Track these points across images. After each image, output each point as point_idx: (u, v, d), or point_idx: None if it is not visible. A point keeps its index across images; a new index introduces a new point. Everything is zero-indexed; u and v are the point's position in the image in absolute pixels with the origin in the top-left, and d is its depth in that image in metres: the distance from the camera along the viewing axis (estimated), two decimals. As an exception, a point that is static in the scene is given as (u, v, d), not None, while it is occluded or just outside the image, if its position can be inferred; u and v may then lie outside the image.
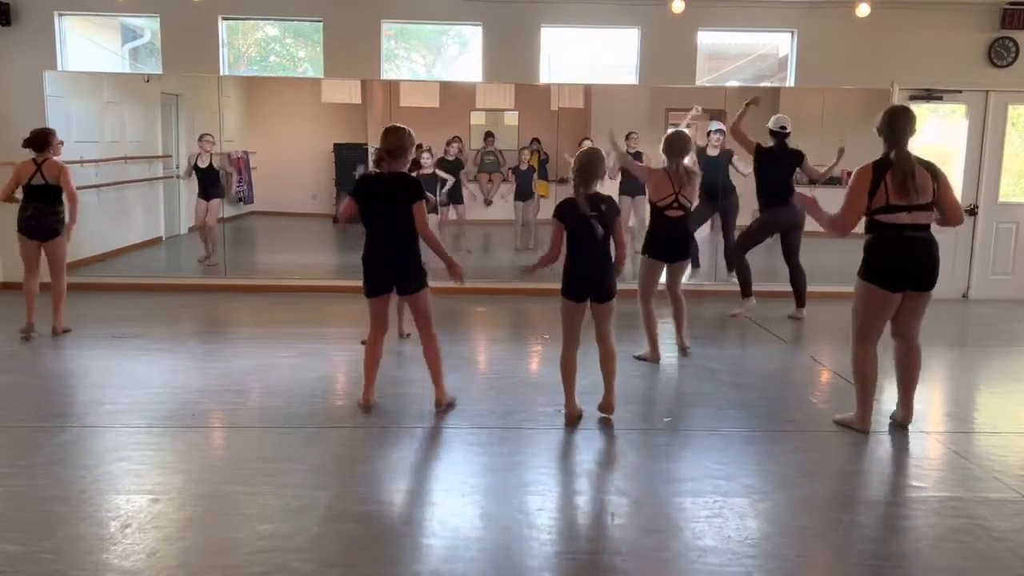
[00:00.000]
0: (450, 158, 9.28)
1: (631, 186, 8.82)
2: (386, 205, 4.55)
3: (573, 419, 4.56)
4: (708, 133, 8.47)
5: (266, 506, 3.53)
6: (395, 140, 4.53)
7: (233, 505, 3.56)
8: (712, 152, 8.33)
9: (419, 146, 9.07)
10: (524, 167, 9.92)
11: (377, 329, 4.79)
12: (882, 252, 4.27)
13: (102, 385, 5.15)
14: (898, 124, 4.23)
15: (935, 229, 4.33)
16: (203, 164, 8.94)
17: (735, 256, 7.45)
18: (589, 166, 4.43)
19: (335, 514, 3.44)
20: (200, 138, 8.93)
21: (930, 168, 4.25)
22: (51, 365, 5.56)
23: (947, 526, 3.42)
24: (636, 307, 5.87)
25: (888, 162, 4.22)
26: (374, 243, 4.63)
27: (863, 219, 4.31)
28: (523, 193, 9.81)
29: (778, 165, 7.07)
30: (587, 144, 7.80)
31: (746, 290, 7.39)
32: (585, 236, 4.40)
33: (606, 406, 4.64)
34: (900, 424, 4.56)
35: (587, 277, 4.47)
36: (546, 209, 9.56)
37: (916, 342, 4.49)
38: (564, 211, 4.45)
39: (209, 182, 8.99)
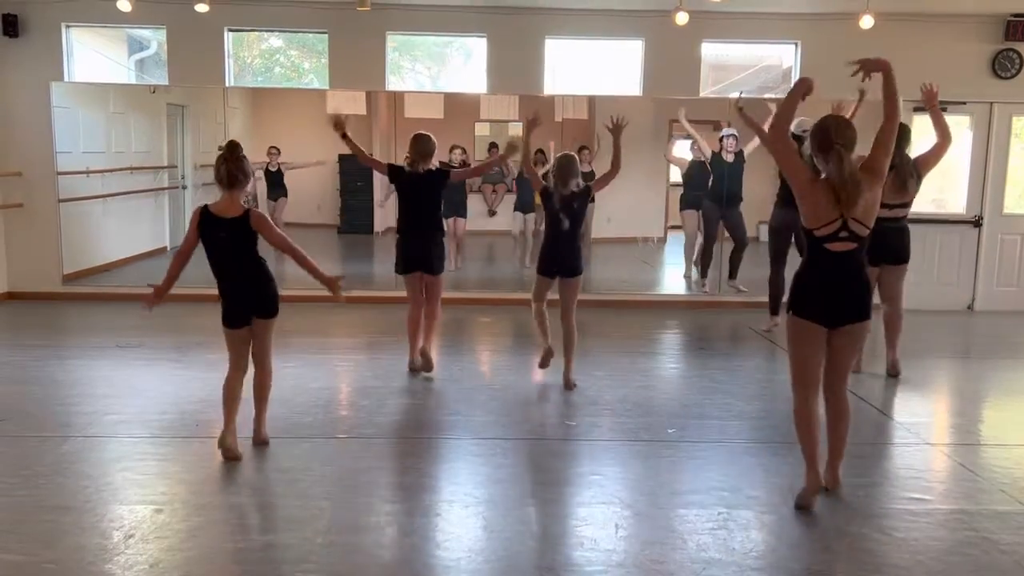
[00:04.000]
0: (455, 165, 9.05)
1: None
2: (421, 197, 5.46)
3: (548, 361, 5.42)
4: (721, 139, 8.38)
5: (269, 517, 3.53)
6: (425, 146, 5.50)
7: (236, 516, 3.55)
8: (728, 158, 8.26)
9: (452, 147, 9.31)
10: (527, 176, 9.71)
11: (415, 304, 5.49)
12: None
13: (106, 395, 5.15)
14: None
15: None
16: (272, 169, 9.88)
17: (771, 275, 7.09)
18: (566, 169, 5.17)
19: (339, 525, 3.43)
20: (268, 151, 9.96)
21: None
22: (55, 374, 5.57)
23: (953, 539, 3.41)
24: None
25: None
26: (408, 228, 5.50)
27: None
28: (525, 203, 9.49)
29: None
30: (585, 153, 7.92)
31: (773, 308, 7.10)
32: (557, 225, 5.23)
33: (567, 382, 5.31)
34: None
35: (557, 258, 5.29)
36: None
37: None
38: (546, 198, 5.29)
39: (276, 184, 9.93)
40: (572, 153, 5.36)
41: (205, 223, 3.97)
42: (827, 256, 3.49)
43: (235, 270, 4.06)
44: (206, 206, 4.00)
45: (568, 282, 5.30)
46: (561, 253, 5.28)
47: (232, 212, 3.95)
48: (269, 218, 4.02)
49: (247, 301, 4.11)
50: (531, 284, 5.47)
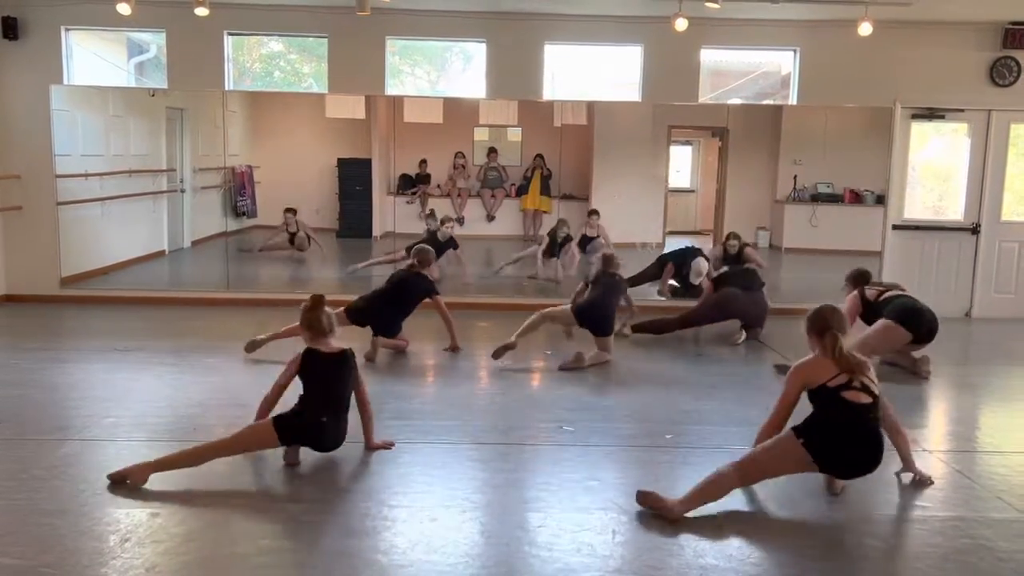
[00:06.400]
0: (442, 239, 8.74)
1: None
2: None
3: (501, 352, 6.11)
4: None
5: (267, 521, 3.52)
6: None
7: (234, 520, 3.55)
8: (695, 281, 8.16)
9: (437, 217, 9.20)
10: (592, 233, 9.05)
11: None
12: None
13: (104, 398, 5.14)
14: None
15: None
16: (292, 230, 9.61)
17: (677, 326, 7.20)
18: (609, 263, 6.58)
19: (336, 529, 3.43)
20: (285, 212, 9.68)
21: None
22: (53, 378, 5.56)
23: (951, 547, 3.41)
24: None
25: None
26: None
27: None
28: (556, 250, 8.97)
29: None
30: (594, 218, 8.84)
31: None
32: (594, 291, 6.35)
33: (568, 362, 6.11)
34: None
35: (587, 314, 6.26)
36: (547, 223, 9.55)
37: None
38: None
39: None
40: (611, 253, 6.73)
41: (308, 360, 4.24)
42: (847, 409, 3.70)
43: (332, 407, 4.20)
44: (308, 348, 4.28)
45: (596, 338, 6.27)
46: (591, 312, 6.27)
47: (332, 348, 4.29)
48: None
49: (317, 435, 4.15)
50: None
